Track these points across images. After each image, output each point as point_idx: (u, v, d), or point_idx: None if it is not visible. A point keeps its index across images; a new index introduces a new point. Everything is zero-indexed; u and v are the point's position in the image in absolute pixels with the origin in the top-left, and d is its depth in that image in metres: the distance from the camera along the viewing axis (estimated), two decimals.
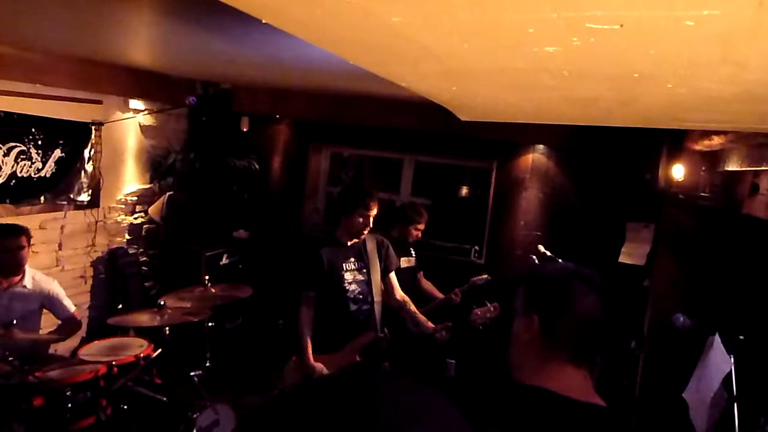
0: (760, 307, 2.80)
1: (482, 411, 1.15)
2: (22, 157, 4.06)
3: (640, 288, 4.13)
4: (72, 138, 4.45)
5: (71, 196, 4.53)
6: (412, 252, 4.17)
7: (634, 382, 3.96)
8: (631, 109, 1.60)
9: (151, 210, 5.26)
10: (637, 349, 3.97)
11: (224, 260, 5.41)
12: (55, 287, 3.66)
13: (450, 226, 5.38)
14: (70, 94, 4.35)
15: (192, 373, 3.50)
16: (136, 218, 5.29)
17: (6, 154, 3.95)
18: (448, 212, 5.46)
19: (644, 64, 0.96)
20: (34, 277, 3.58)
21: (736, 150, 2.76)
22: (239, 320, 5.52)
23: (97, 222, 4.86)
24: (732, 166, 2.83)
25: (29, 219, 4.19)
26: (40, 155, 4.20)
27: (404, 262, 3.92)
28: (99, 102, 4.66)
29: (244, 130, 5.76)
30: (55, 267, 4.53)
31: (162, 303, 3.37)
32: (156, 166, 5.31)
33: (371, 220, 3.22)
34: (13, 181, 4.01)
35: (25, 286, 3.51)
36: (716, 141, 2.70)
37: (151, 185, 5.37)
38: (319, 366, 3.09)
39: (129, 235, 5.25)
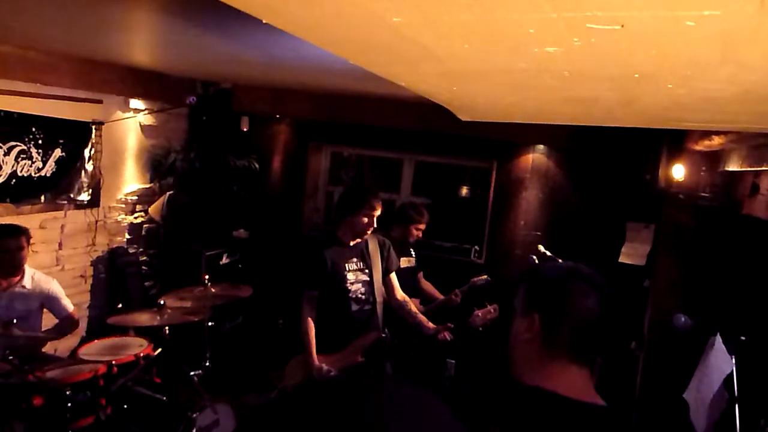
0: (760, 307, 2.80)
1: (483, 411, 1.15)
2: (22, 156, 4.06)
3: (641, 288, 4.13)
4: (72, 137, 4.45)
5: (71, 195, 4.53)
6: (412, 252, 4.16)
7: (634, 383, 3.96)
8: (631, 110, 1.60)
9: (151, 209, 5.26)
10: (637, 349, 3.97)
11: (224, 260, 5.41)
12: (54, 287, 3.66)
13: (450, 226, 5.38)
14: (70, 94, 4.35)
15: (192, 373, 3.50)
16: (136, 218, 5.29)
17: (6, 154, 3.95)
18: (448, 212, 5.46)
19: (645, 64, 0.96)
20: (33, 276, 3.58)
21: (736, 150, 2.76)
22: (239, 320, 5.52)
23: (97, 221, 4.86)
24: (732, 167, 2.83)
25: (29, 218, 4.19)
26: (41, 155, 4.20)
27: (404, 262, 3.92)
28: (99, 101, 4.66)
29: (244, 129, 5.76)
30: (55, 266, 4.53)
31: (162, 302, 3.37)
32: (156, 165, 5.31)
33: (375, 220, 3.22)
34: (14, 180, 4.01)
35: (24, 286, 3.51)
36: (716, 141, 2.69)
37: (152, 185, 5.37)
38: (324, 366, 3.09)
39: (129, 234, 5.25)
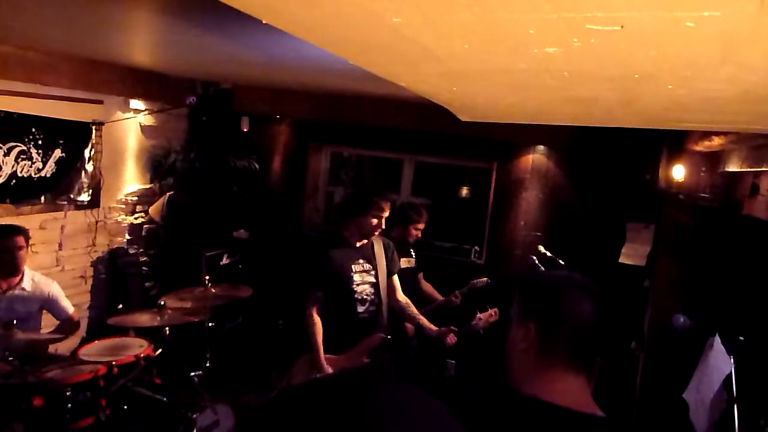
0: (760, 308, 2.80)
1: (480, 422, 1.14)
2: (22, 156, 4.06)
3: (641, 288, 4.13)
4: (72, 138, 4.45)
5: (71, 196, 4.53)
6: (412, 253, 4.16)
7: (634, 383, 3.96)
8: (631, 110, 1.60)
9: (151, 210, 5.26)
10: (637, 349, 3.97)
11: (224, 260, 5.41)
12: (54, 288, 3.66)
13: (450, 227, 5.38)
14: (70, 94, 4.35)
15: (192, 374, 3.50)
16: (136, 218, 5.29)
17: (6, 154, 3.95)
18: (448, 212, 5.46)
19: (645, 64, 0.96)
20: (33, 278, 3.58)
21: (736, 151, 2.76)
22: (239, 320, 5.52)
23: (97, 222, 4.86)
24: (732, 167, 2.83)
25: (29, 219, 4.19)
26: (41, 155, 4.20)
27: (404, 263, 3.92)
28: (99, 102, 4.66)
29: (244, 130, 5.76)
30: (56, 267, 4.53)
31: (162, 303, 3.37)
32: (156, 166, 5.31)
33: (383, 222, 3.22)
34: (14, 180, 4.01)
35: (24, 288, 3.51)
36: (716, 142, 2.69)
37: (152, 185, 5.37)
38: (331, 369, 3.09)
39: (129, 235, 5.25)
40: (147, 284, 5.33)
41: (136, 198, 5.25)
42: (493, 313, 3.36)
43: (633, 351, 4.00)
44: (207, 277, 3.67)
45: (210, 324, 3.69)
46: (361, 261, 3.27)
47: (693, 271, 3.64)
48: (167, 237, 5.39)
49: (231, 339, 5.22)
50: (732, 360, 2.36)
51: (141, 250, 5.35)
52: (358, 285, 3.22)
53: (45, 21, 2.73)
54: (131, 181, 5.22)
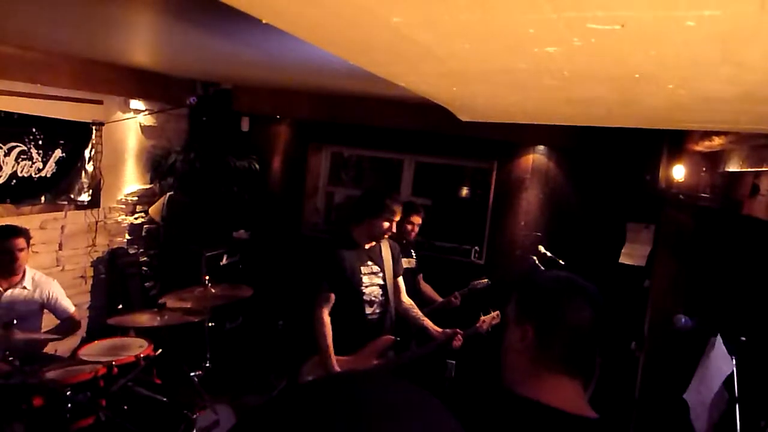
0: (761, 308, 2.80)
1: (474, 421, 1.14)
2: (22, 157, 4.06)
3: (641, 289, 4.12)
4: (72, 138, 4.45)
5: (72, 196, 4.53)
6: (413, 253, 4.16)
7: (634, 383, 3.96)
8: (631, 110, 1.60)
9: (151, 210, 5.26)
10: (637, 349, 3.97)
11: (224, 260, 5.41)
12: (55, 288, 3.66)
13: (450, 227, 5.38)
14: (70, 94, 4.35)
15: (192, 374, 3.50)
16: (136, 218, 5.29)
17: (6, 154, 3.95)
18: (448, 213, 5.46)
19: (645, 64, 0.96)
20: (33, 277, 3.58)
21: (736, 151, 2.75)
22: (239, 320, 5.52)
23: (97, 222, 4.86)
24: (732, 167, 2.82)
25: (30, 219, 4.19)
26: (41, 155, 4.20)
27: (404, 263, 3.92)
28: (99, 102, 4.66)
29: (245, 130, 5.76)
30: (56, 267, 4.54)
31: (162, 303, 3.37)
32: (156, 166, 5.32)
33: (395, 225, 3.23)
34: (14, 181, 4.02)
35: (25, 287, 3.51)
36: (717, 142, 2.69)
37: (152, 185, 5.37)
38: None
39: (129, 235, 5.25)
40: (147, 284, 5.33)
41: (136, 198, 5.25)
42: (495, 316, 3.39)
43: (633, 351, 4.00)
44: (207, 278, 3.67)
45: (210, 324, 3.70)
46: (369, 263, 3.26)
47: (693, 271, 3.64)
48: (167, 237, 5.39)
49: (231, 339, 5.22)
50: (733, 360, 2.35)
51: (141, 250, 5.36)
52: (367, 287, 3.22)
53: (45, 21, 2.73)
54: (131, 181, 5.22)
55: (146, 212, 5.32)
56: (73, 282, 4.70)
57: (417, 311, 3.42)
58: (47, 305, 3.61)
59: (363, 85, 3.96)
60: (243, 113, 5.71)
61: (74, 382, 2.99)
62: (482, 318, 3.38)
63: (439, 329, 3.27)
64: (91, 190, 4.67)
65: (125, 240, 5.21)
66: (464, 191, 5.69)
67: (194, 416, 3.16)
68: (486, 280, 4.04)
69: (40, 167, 4.21)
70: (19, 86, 3.95)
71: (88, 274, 4.87)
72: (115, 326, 3.44)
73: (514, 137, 4.82)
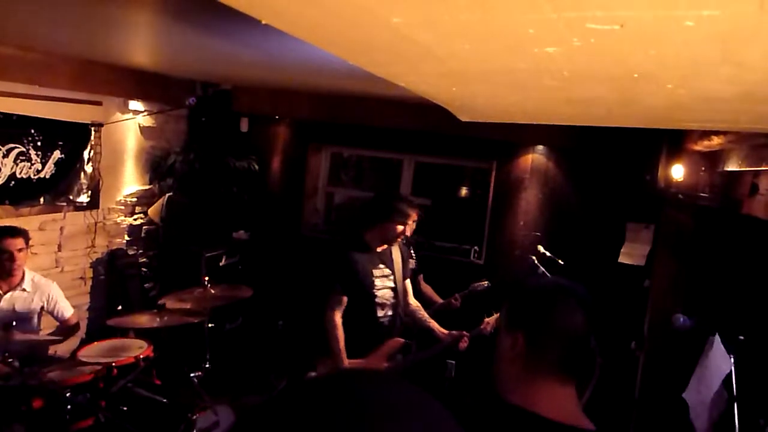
0: (760, 307, 2.80)
1: (465, 425, 1.14)
2: (21, 158, 4.06)
3: (640, 288, 4.13)
4: (71, 139, 4.45)
5: (71, 197, 4.53)
6: (413, 254, 4.17)
7: (634, 383, 3.96)
8: (631, 110, 1.60)
9: (150, 211, 5.26)
10: (637, 349, 3.97)
11: (224, 261, 5.41)
12: (54, 289, 3.66)
13: (450, 227, 5.38)
14: (69, 95, 4.35)
15: (192, 374, 3.49)
16: (135, 219, 5.29)
17: (5, 156, 3.95)
18: (448, 212, 5.46)
19: (644, 64, 0.96)
20: (33, 280, 3.58)
21: (735, 150, 2.75)
22: (239, 321, 5.52)
23: (96, 223, 4.86)
24: (732, 167, 2.82)
25: (29, 220, 4.19)
26: (40, 156, 4.20)
27: None
28: (99, 103, 4.66)
29: (244, 130, 5.76)
30: (55, 268, 4.53)
31: (162, 304, 3.37)
32: (155, 167, 5.31)
33: (408, 228, 3.22)
34: (13, 182, 4.01)
35: (24, 290, 3.51)
36: (716, 141, 2.69)
37: (151, 186, 5.36)
38: None
39: (129, 236, 5.24)
40: (146, 285, 5.32)
41: (135, 199, 5.25)
42: (497, 318, 3.40)
43: (633, 351, 4.00)
44: (206, 278, 3.67)
45: (210, 325, 3.69)
46: (381, 266, 3.25)
47: (693, 271, 3.64)
48: (167, 238, 5.38)
49: (231, 340, 5.22)
50: (732, 359, 2.36)
51: (140, 251, 5.35)
52: (378, 289, 3.22)
53: (44, 22, 2.73)
54: (130, 182, 5.22)
55: (145, 213, 5.31)
56: (73, 283, 4.69)
57: (423, 313, 3.43)
58: (47, 308, 3.61)
59: (363, 85, 3.96)
60: (242, 114, 5.71)
61: (74, 383, 2.99)
62: (486, 320, 3.39)
63: (446, 331, 3.27)
64: (90, 191, 4.67)
65: (124, 241, 5.21)
66: (464, 191, 5.69)
67: (194, 417, 3.16)
68: (486, 282, 4.04)
69: (39, 168, 4.21)
70: (18, 87, 3.94)
71: (87, 276, 4.87)
72: (115, 327, 3.44)
73: (513, 137, 4.82)
